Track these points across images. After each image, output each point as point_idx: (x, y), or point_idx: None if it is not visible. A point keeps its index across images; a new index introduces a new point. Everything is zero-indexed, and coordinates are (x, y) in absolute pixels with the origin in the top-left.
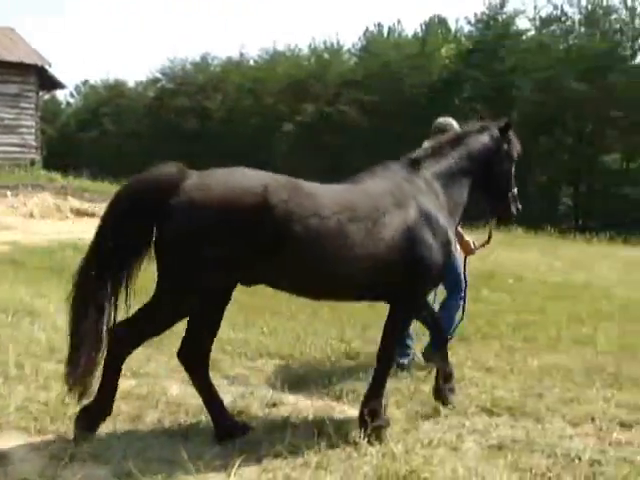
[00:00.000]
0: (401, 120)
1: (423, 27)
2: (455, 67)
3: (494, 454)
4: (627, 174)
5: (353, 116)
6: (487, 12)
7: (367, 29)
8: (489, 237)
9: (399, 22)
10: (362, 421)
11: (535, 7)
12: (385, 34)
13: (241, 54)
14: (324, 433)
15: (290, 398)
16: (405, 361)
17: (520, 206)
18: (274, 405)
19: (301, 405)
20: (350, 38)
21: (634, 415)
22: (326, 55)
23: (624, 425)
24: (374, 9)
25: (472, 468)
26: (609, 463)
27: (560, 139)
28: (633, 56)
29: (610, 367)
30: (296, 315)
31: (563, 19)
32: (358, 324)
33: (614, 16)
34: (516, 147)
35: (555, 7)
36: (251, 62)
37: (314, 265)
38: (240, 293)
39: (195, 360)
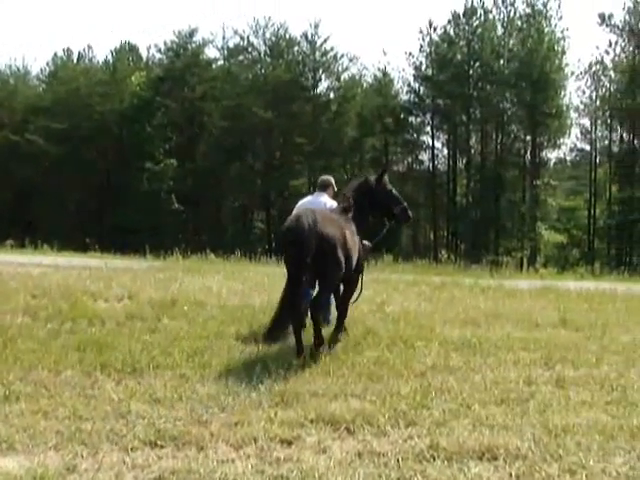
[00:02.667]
0: (92, 147)
1: (113, 54)
2: (146, 94)
3: None
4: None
5: (41, 144)
6: (177, 40)
7: (56, 54)
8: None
9: (89, 48)
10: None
11: (223, 37)
12: (75, 59)
13: None
14: None
15: None
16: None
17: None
18: None
19: None
20: (38, 63)
21: (295, 431)
22: (12, 80)
23: (284, 442)
24: (64, 34)
25: None
26: None
27: (251, 165)
28: (315, 86)
29: (278, 385)
30: None
31: (250, 49)
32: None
33: (296, 48)
34: (387, 182)
35: (242, 38)
36: None
37: None
38: None
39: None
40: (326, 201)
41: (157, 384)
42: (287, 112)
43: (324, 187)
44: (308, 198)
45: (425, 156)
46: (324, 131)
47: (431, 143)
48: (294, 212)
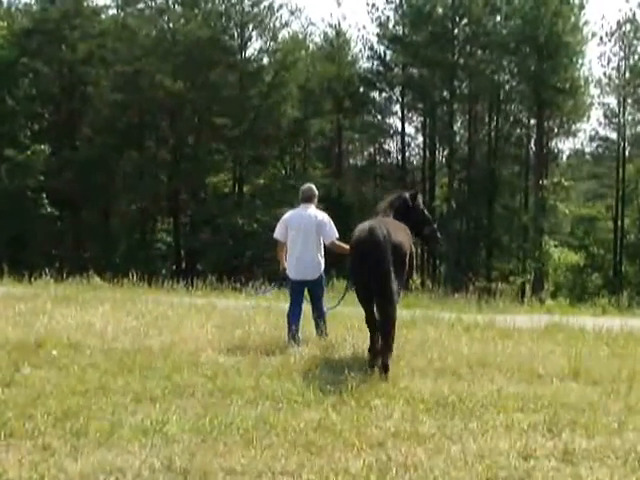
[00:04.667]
0: None
1: None
2: (6, 54)
3: None
4: (239, 200)
5: None
6: None
7: None
8: None
9: None
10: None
11: None
12: None
13: None
14: None
15: None
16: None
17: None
18: None
19: None
20: None
21: None
22: None
23: None
24: None
25: None
26: None
27: (154, 154)
28: (242, 47)
29: (181, 458)
30: None
31: None
32: None
33: None
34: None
35: None
36: None
37: None
38: None
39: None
40: (317, 214)
41: (10, 460)
42: (204, 82)
43: (310, 198)
44: (296, 212)
45: (392, 145)
46: (255, 109)
47: (400, 127)
48: (364, 226)
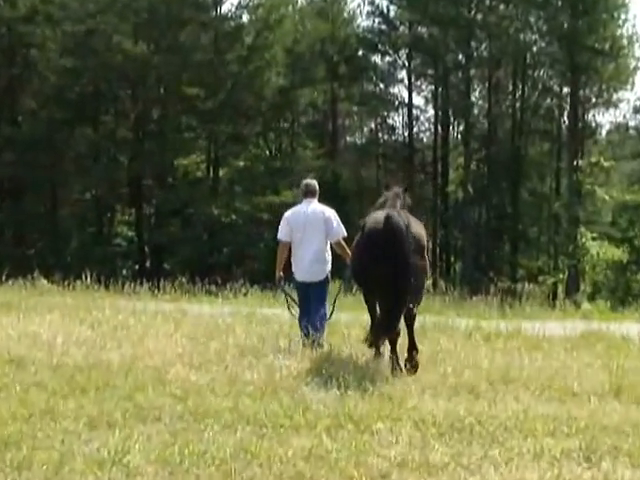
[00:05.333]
0: None
1: None
2: None
3: None
4: (215, 186)
5: None
6: None
7: None
8: None
9: None
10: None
11: None
12: None
13: None
14: None
15: None
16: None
17: None
18: None
19: None
20: None
21: None
22: None
23: None
24: None
25: None
26: None
27: (111, 130)
28: (217, 2)
29: None
30: None
31: None
32: None
33: None
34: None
35: None
36: None
37: None
38: None
39: None
40: (323, 209)
41: None
42: (171, 45)
43: (313, 193)
44: (299, 208)
45: (398, 119)
46: (232, 77)
47: (407, 98)
48: (375, 215)
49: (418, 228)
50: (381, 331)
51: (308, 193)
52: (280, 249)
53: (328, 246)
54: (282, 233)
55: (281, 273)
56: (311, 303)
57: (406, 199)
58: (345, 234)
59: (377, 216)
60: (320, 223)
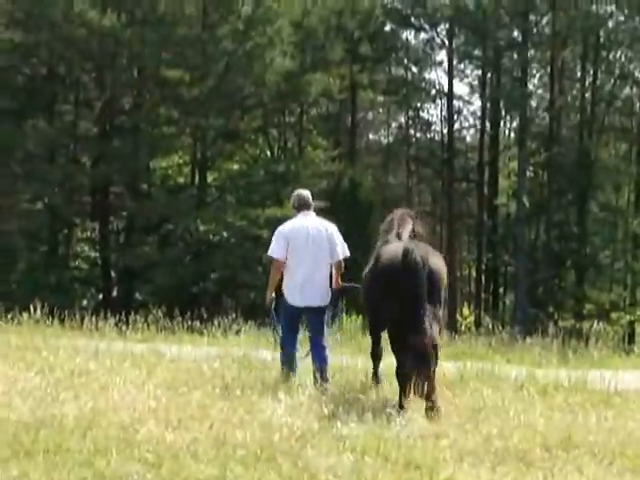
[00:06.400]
0: None
1: None
2: None
3: None
4: (202, 195)
5: None
6: None
7: None
8: None
9: None
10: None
11: None
12: None
13: None
14: None
15: None
16: None
17: None
18: None
19: None
20: None
21: None
22: None
23: None
24: None
25: None
26: None
27: (72, 124)
28: None
29: None
30: None
31: None
32: None
33: None
34: None
35: None
36: None
37: None
38: None
39: None
40: (325, 225)
41: None
42: (148, 16)
43: (309, 205)
44: (298, 222)
45: (434, 113)
46: (225, 57)
47: (447, 86)
48: (390, 249)
49: (437, 261)
50: (411, 333)
51: (304, 206)
52: (275, 268)
53: (330, 266)
54: (277, 249)
55: (273, 294)
56: (298, 333)
57: (416, 225)
58: (348, 254)
59: (390, 249)
60: (324, 240)
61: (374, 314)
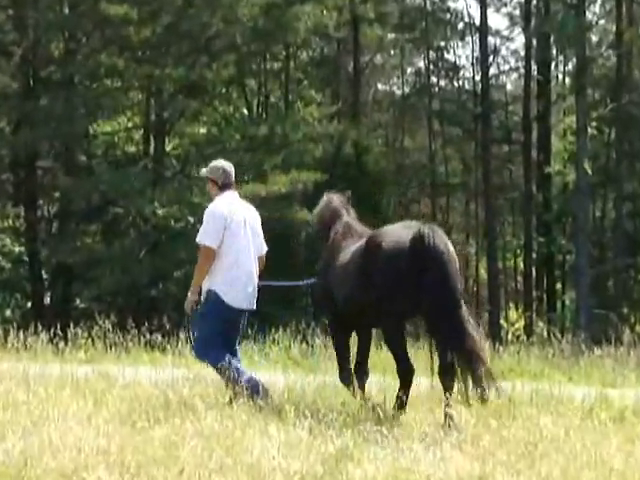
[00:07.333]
0: None
1: None
2: None
3: None
4: (158, 168)
5: None
6: None
7: None
8: None
9: None
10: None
11: None
12: None
13: None
14: None
15: None
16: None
17: None
18: None
19: None
20: None
21: None
22: None
23: None
24: None
25: None
26: None
27: None
28: None
29: None
30: None
31: None
32: None
33: None
34: None
35: None
36: None
37: None
38: None
39: None
40: (253, 207)
41: None
42: None
43: (232, 184)
44: (234, 202)
45: (464, 54)
46: None
47: (480, 17)
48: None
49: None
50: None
51: (230, 184)
52: (206, 257)
53: None
54: (214, 234)
55: (197, 295)
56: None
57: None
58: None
59: (397, 230)
60: (259, 228)
61: (351, 319)
